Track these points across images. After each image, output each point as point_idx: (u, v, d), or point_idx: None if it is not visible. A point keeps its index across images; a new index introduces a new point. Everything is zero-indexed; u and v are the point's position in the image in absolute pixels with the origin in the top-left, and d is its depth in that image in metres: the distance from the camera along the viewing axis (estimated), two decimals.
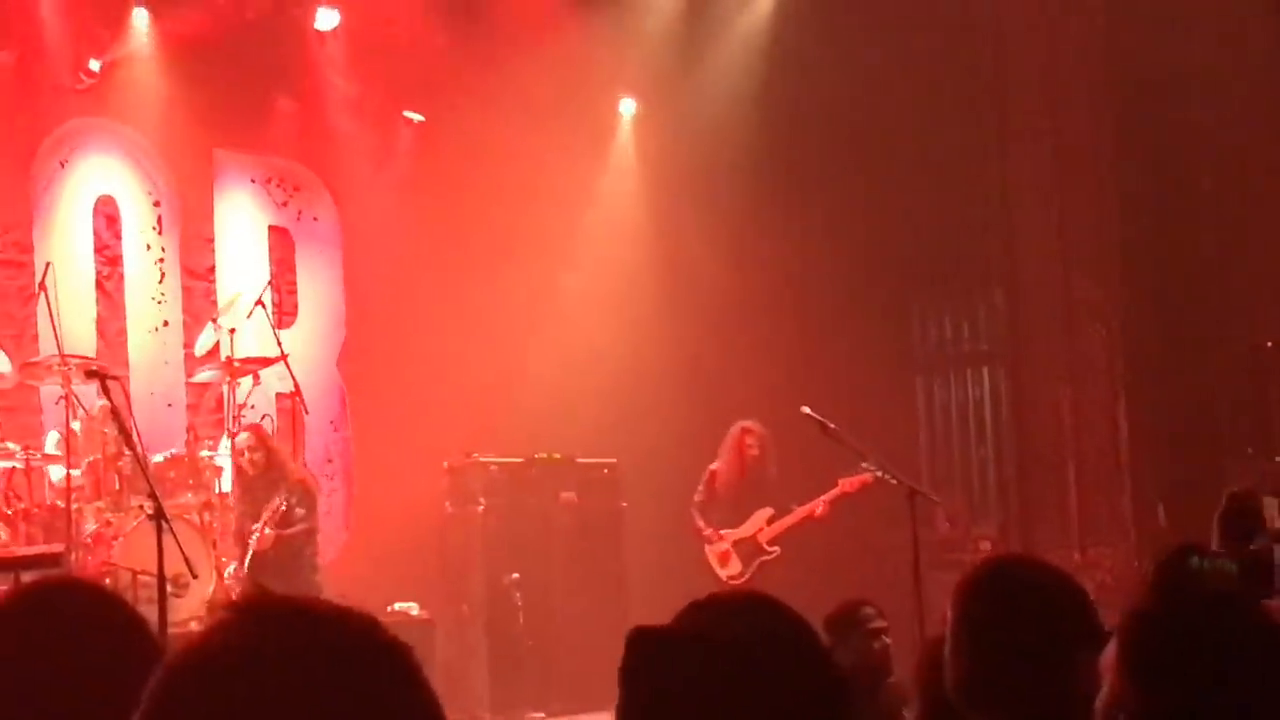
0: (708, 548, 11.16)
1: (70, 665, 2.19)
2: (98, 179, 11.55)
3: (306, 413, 11.42)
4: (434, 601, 11.24)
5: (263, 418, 11.40)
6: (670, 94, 13.36)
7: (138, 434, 9.06)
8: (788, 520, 11.00)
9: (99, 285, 11.46)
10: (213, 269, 12.12)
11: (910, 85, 13.01)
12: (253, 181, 12.45)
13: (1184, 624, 2.72)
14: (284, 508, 9.92)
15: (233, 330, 10.94)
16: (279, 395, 11.72)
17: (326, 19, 12.20)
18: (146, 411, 10.93)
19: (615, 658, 2.03)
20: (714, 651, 1.98)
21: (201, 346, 11.37)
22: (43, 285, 9.85)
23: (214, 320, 11.24)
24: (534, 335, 12.65)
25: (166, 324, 11.77)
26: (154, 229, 11.79)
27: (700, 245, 12.81)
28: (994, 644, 2.93)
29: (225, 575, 9.80)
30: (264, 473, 10.11)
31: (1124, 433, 12.64)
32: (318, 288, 12.74)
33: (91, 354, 10.51)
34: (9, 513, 9.52)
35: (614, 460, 11.88)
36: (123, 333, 11.56)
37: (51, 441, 9.97)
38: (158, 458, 10.14)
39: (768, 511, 11.06)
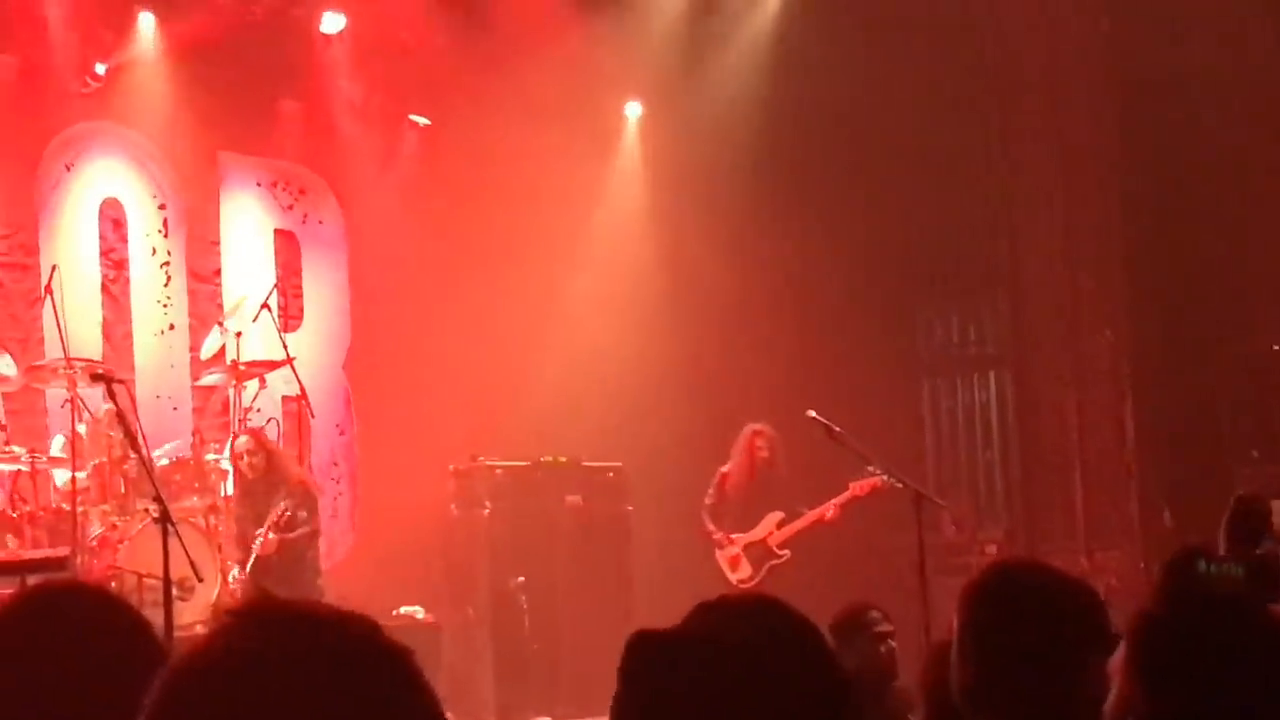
0: (718, 551, 11.16)
1: (75, 669, 2.18)
2: (103, 182, 11.56)
3: (312, 416, 11.41)
4: (439, 605, 11.24)
5: (268, 421, 11.41)
6: (675, 96, 13.35)
7: (143, 437, 9.07)
8: (798, 524, 11.01)
9: (105, 288, 11.46)
10: (218, 272, 12.12)
11: (914, 87, 13.00)
12: (258, 185, 12.45)
13: (1191, 627, 2.72)
14: (288, 513, 9.90)
15: (239, 333, 10.93)
16: (285, 398, 11.72)
17: (332, 22, 12.20)
18: (152, 415, 10.94)
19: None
20: (719, 653, 1.97)
21: (207, 350, 11.37)
22: (48, 288, 9.86)
23: (220, 323, 11.23)
24: (539, 338, 12.65)
25: (172, 327, 11.78)
26: (160, 232, 11.80)
27: (706, 248, 12.80)
28: (1000, 648, 2.92)
29: (230, 579, 9.79)
30: (264, 476, 10.09)
31: (1130, 436, 12.62)
32: (323, 291, 12.74)
33: (97, 357, 10.51)
34: (14, 516, 9.52)
35: (619, 464, 11.88)
36: (128, 336, 11.56)
37: (57, 445, 9.97)
38: (163, 460, 10.14)
39: (778, 515, 11.06)
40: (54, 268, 10.08)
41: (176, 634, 7.53)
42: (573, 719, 10.62)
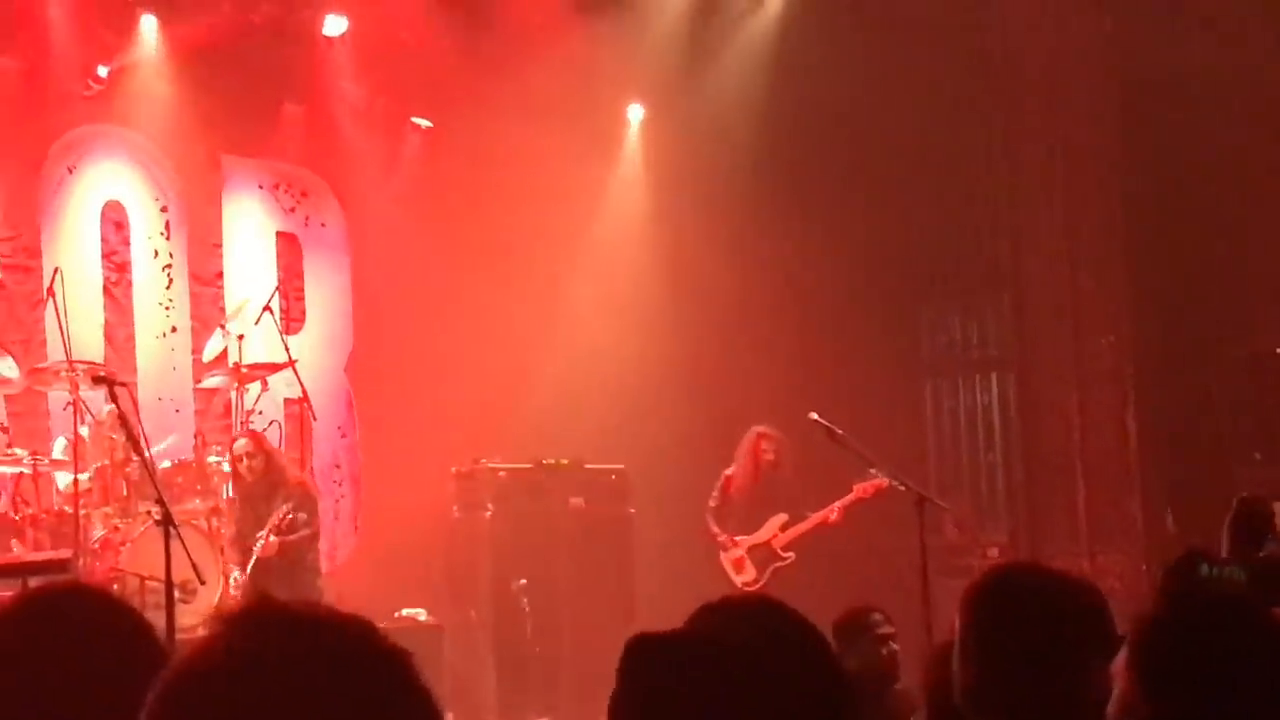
0: (723, 554, 11.16)
1: (76, 671, 2.19)
2: (106, 185, 11.56)
3: (314, 419, 11.42)
4: (441, 607, 11.24)
5: (270, 424, 11.41)
6: (677, 98, 13.35)
7: (145, 440, 9.08)
8: (803, 526, 11.01)
9: (107, 291, 11.47)
10: (220, 275, 12.13)
11: (915, 89, 13.01)
12: (260, 187, 12.46)
13: (1193, 630, 2.72)
14: (289, 515, 9.89)
15: (241, 336, 10.94)
16: (287, 401, 11.72)
17: (334, 25, 12.20)
18: (155, 417, 10.94)
19: None
20: (719, 655, 1.97)
21: (209, 352, 11.37)
22: (51, 291, 9.86)
23: (222, 326, 11.24)
24: (541, 340, 12.65)
25: (174, 330, 11.78)
26: (162, 234, 11.80)
27: (707, 249, 12.80)
28: (1002, 650, 2.92)
29: (229, 581, 9.78)
30: (262, 478, 10.07)
31: (1132, 438, 12.62)
32: (325, 293, 12.75)
33: (99, 360, 10.51)
34: (16, 519, 9.52)
35: (621, 466, 11.88)
36: (131, 338, 11.57)
37: (59, 447, 9.97)
38: (164, 463, 10.14)
39: (782, 517, 11.06)
40: (56, 270, 10.07)
41: (178, 636, 7.52)
42: None
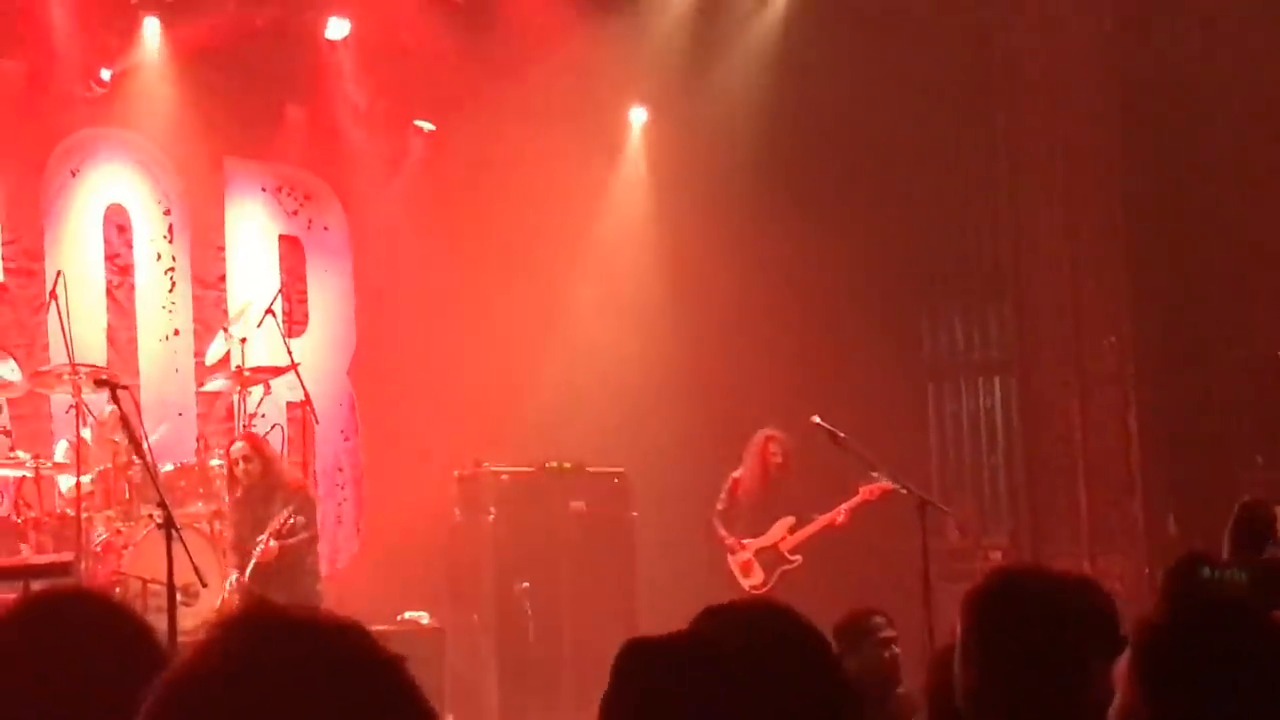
0: (730, 557, 11.15)
1: (78, 675, 2.19)
2: (108, 188, 11.57)
3: (317, 422, 11.42)
4: (444, 611, 11.23)
5: (273, 427, 11.41)
6: (681, 102, 13.35)
7: (148, 443, 9.07)
8: (810, 528, 10.99)
9: (109, 294, 11.47)
10: (223, 278, 12.13)
11: (918, 93, 13.01)
12: (263, 190, 12.46)
13: (1194, 633, 2.72)
14: (291, 521, 9.87)
15: (243, 339, 10.93)
16: (289, 404, 11.72)
17: (337, 28, 12.20)
18: (157, 420, 10.94)
19: None
20: (716, 658, 1.97)
21: (212, 355, 11.36)
22: (53, 294, 9.85)
23: (224, 329, 11.24)
24: (543, 343, 12.65)
25: (177, 333, 11.79)
26: (165, 238, 11.81)
27: (710, 252, 12.80)
28: (1003, 653, 2.92)
29: (227, 585, 9.75)
30: (259, 481, 10.04)
31: (1134, 441, 12.62)
32: (328, 296, 12.75)
33: (102, 363, 10.52)
34: (19, 521, 9.52)
35: (623, 469, 11.87)
36: (133, 341, 11.57)
37: (61, 450, 9.96)
38: (166, 464, 10.14)
39: (789, 520, 11.05)
40: (59, 273, 10.07)
41: (180, 640, 7.51)
42: None
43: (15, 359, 9.98)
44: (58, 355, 10.02)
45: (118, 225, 11.59)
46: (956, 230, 13.54)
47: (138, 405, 9.75)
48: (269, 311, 11.13)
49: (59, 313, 9.68)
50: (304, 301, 12.59)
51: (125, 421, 8.50)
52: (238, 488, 10.06)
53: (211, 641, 1.45)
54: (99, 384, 8.90)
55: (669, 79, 13.24)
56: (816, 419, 9.37)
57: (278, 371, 10.94)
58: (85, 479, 9.44)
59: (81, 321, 10.36)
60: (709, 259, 12.82)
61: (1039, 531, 12.99)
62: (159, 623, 7.07)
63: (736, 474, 11.27)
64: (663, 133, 13.66)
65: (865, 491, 10.50)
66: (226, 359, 11.08)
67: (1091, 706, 2.84)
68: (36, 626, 2.28)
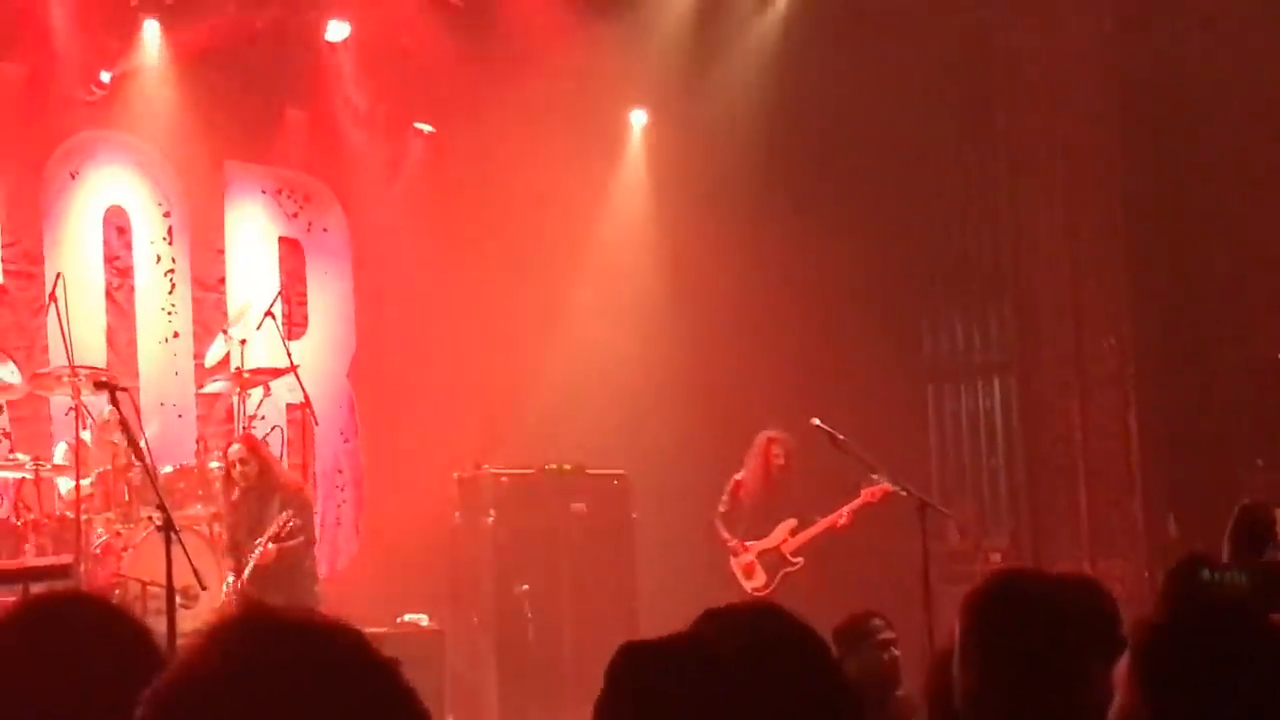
0: (733, 559, 11.15)
1: (76, 678, 2.19)
2: (108, 190, 11.57)
3: (316, 424, 11.41)
4: (444, 612, 11.23)
5: (272, 429, 11.41)
6: (681, 105, 13.36)
7: (147, 445, 9.07)
8: (812, 530, 10.99)
9: (109, 296, 11.47)
10: (223, 280, 12.13)
11: (918, 93, 13.02)
12: (263, 192, 12.46)
13: (1194, 636, 2.71)
14: (290, 524, 9.85)
15: (243, 341, 10.94)
16: (289, 406, 11.72)
17: (337, 30, 12.20)
18: (156, 422, 10.94)
19: None
20: (714, 661, 1.97)
21: (212, 357, 11.37)
22: (53, 296, 9.86)
23: (224, 331, 11.24)
24: (544, 345, 12.66)
25: (177, 335, 11.79)
26: (164, 240, 11.81)
27: (710, 254, 12.81)
28: (1002, 655, 2.92)
29: (224, 587, 9.74)
30: (256, 484, 10.03)
31: (1134, 442, 12.61)
32: (328, 299, 12.75)
33: (102, 365, 10.51)
34: (18, 524, 9.52)
35: (624, 471, 11.88)
36: (133, 343, 11.57)
37: (60, 452, 9.97)
38: (166, 466, 10.14)
39: (791, 522, 11.05)
40: (58, 275, 10.08)
41: (180, 642, 7.51)
42: None
43: (15, 361, 9.98)
44: (57, 357, 10.02)
45: (117, 227, 11.59)
46: (956, 230, 13.54)
47: (137, 408, 9.77)
48: (269, 313, 11.14)
49: (59, 315, 9.68)
50: (304, 304, 12.59)
51: (124, 424, 8.49)
52: (235, 489, 10.06)
53: (207, 644, 1.45)
54: (98, 386, 8.90)
55: (669, 81, 13.24)
56: (816, 421, 9.37)
57: (277, 373, 10.95)
58: (85, 481, 9.44)
59: (81, 324, 10.36)
60: (709, 260, 12.82)
61: (1039, 533, 12.99)
62: (158, 625, 7.08)
63: (738, 476, 11.27)
64: (663, 135, 13.67)
65: (867, 493, 10.51)
66: (226, 361, 11.08)
67: (1091, 708, 2.84)
68: (36, 630, 2.28)
